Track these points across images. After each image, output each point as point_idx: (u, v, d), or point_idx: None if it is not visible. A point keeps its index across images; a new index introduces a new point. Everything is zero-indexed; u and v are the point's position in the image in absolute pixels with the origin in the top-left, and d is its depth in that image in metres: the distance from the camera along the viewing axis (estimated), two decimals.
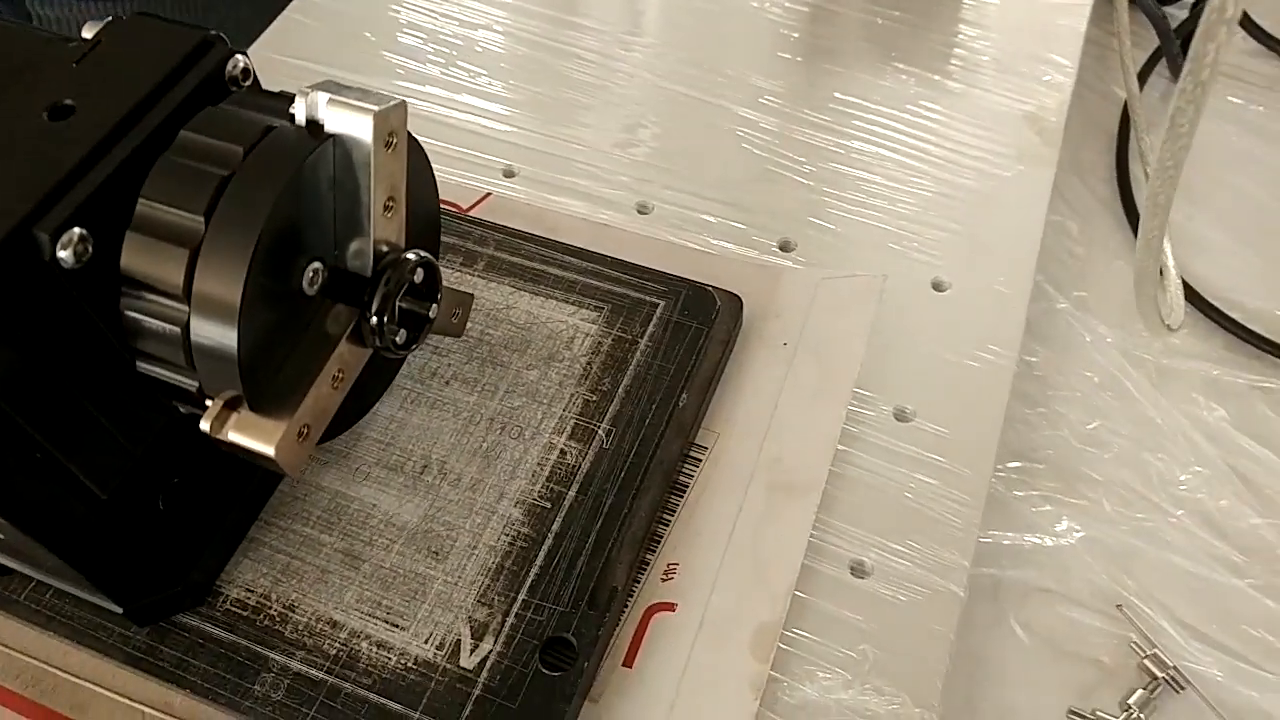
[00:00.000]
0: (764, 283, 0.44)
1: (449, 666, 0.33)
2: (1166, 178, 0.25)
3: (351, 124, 0.26)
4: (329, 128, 0.26)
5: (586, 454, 0.38)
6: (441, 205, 0.46)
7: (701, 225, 0.47)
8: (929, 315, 0.44)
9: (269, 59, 0.54)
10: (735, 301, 0.42)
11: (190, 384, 0.27)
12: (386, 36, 0.56)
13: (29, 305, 0.24)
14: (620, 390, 0.39)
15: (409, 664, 0.34)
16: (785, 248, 0.46)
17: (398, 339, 0.30)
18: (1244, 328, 0.46)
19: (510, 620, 0.34)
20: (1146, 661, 0.37)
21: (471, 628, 0.34)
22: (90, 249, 0.24)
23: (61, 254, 0.24)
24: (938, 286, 0.45)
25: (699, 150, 0.50)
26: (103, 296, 0.25)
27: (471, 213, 0.47)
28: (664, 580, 0.36)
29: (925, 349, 0.43)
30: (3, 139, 0.25)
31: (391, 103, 0.27)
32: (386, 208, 0.28)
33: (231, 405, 0.26)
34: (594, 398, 0.39)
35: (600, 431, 0.38)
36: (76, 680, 0.35)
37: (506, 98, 0.53)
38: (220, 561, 0.36)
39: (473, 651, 0.34)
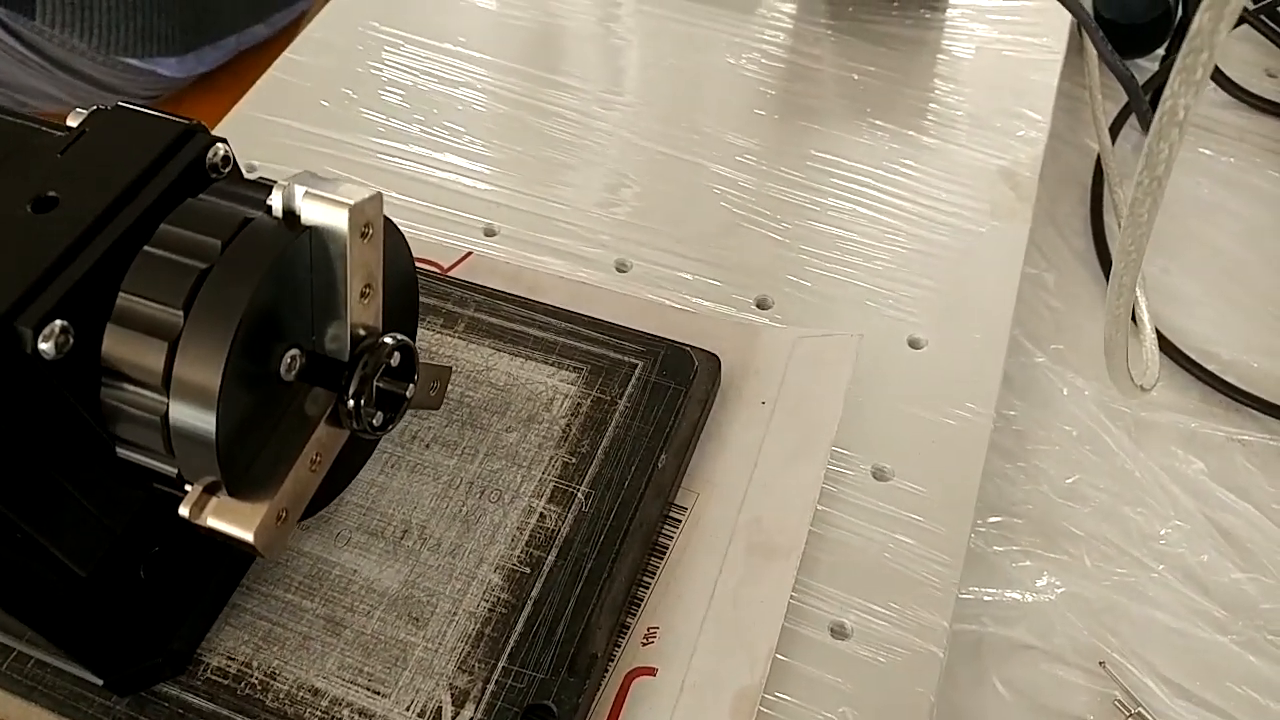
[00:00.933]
0: (741, 341, 0.44)
1: None
2: (1129, 261, 0.26)
3: (327, 216, 0.26)
4: (305, 219, 0.27)
5: (566, 517, 0.38)
6: (422, 265, 0.46)
7: (679, 283, 0.48)
8: (906, 373, 0.44)
9: (253, 118, 0.55)
10: (713, 361, 0.42)
11: (169, 470, 0.27)
12: (369, 94, 0.56)
13: (10, 394, 0.24)
14: (599, 452, 0.40)
15: None
16: (762, 305, 0.47)
17: (375, 421, 0.30)
18: (1221, 380, 0.46)
19: (491, 687, 0.34)
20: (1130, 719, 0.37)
21: (453, 695, 0.34)
22: (71, 340, 0.25)
23: (43, 346, 0.24)
24: (914, 344, 0.45)
25: (677, 208, 0.50)
26: (83, 384, 0.26)
27: (452, 272, 0.47)
28: (644, 644, 0.36)
29: (902, 407, 0.43)
30: None
31: (367, 194, 0.27)
32: (363, 294, 0.29)
33: (210, 490, 0.27)
34: (573, 460, 0.40)
35: (579, 494, 0.39)
36: None
37: (487, 156, 0.53)
38: (201, 629, 0.36)
39: (454, 718, 0.34)
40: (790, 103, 0.55)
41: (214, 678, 0.35)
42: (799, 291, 0.47)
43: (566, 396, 0.41)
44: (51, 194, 0.26)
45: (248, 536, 0.27)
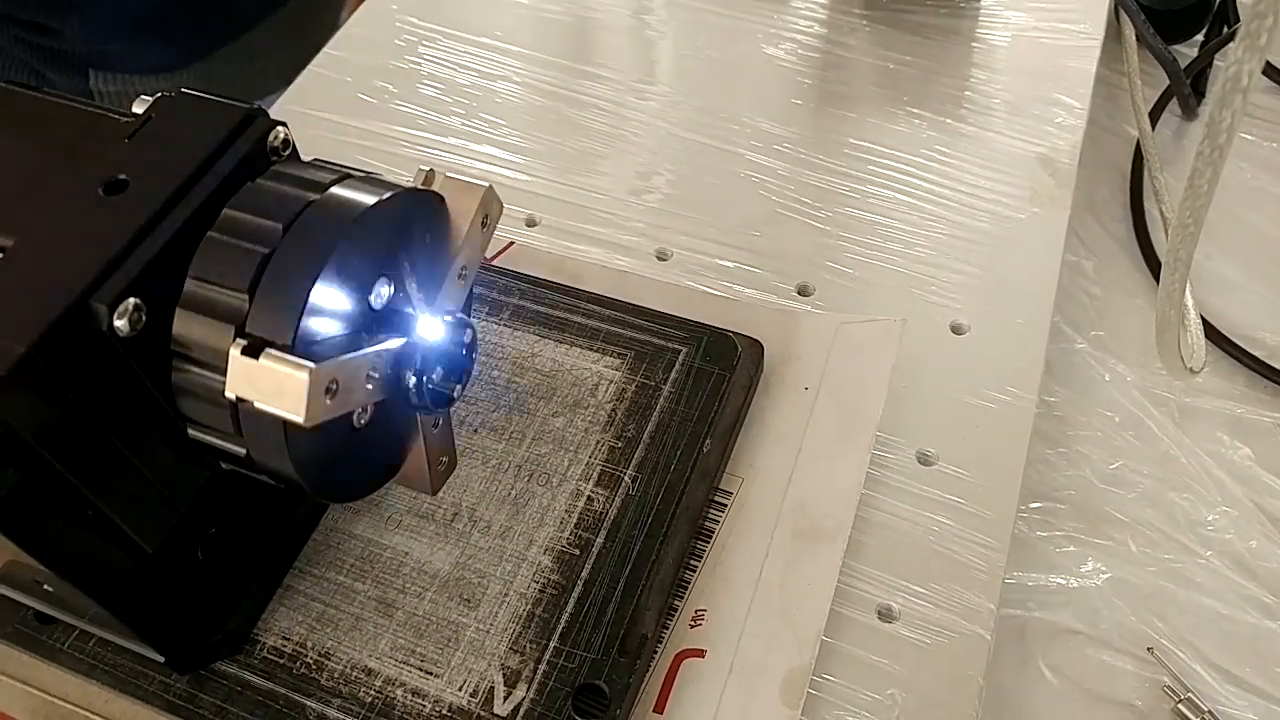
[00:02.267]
0: (784, 327, 0.44)
1: (483, 714, 0.34)
2: (1187, 235, 0.26)
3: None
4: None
5: (613, 500, 0.38)
6: None
7: (720, 271, 0.48)
8: (948, 358, 0.44)
9: (293, 113, 0.55)
10: (756, 347, 0.43)
11: (239, 450, 0.27)
12: (407, 88, 0.57)
13: (86, 371, 0.25)
14: (645, 436, 0.40)
15: (443, 711, 0.34)
16: (803, 292, 0.47)
17: (455, 393, 0.31)
18: (1266, 365, 0.46)
19: (542, 667, 0.35)
20: (1181, 706, 0.37)
21: (504, 675, 0.35)
22: (144, 318, 0.25)
23: (118, 323, 0.25)
24: (956, 329, 0.45)
25: (715, 197, 0.51)
26: (155, 363, 0.26)
27: (495, 261, 0.48)
28: (692, 626, 0.37)
29: (946, 392, 0.43)
30: (63, 213, 0.26)
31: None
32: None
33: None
34: (619, 444, 0.40)
35: (626, 478, 0.39)
36: None
37: (526, 148, 0.54)
38: (257, 610, 0.36)
39: (506, 699, 0.34)
40: (826, 92, 0.55)
41: (270, 657, 0.35)
42: (840, 278, 0.47)
43: (611, 382, 0.42)
44: (122, 177, 0.27)
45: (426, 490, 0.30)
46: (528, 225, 0.50)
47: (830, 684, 0.36)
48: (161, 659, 0.33)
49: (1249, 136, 0.56)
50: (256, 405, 0.25)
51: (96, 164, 0.27)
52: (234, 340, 0.25)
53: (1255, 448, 0.44)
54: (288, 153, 0.29)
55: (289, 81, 0.58)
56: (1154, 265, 0.51)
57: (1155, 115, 0.56)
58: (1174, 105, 0.57)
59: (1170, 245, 0.27)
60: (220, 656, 0.35)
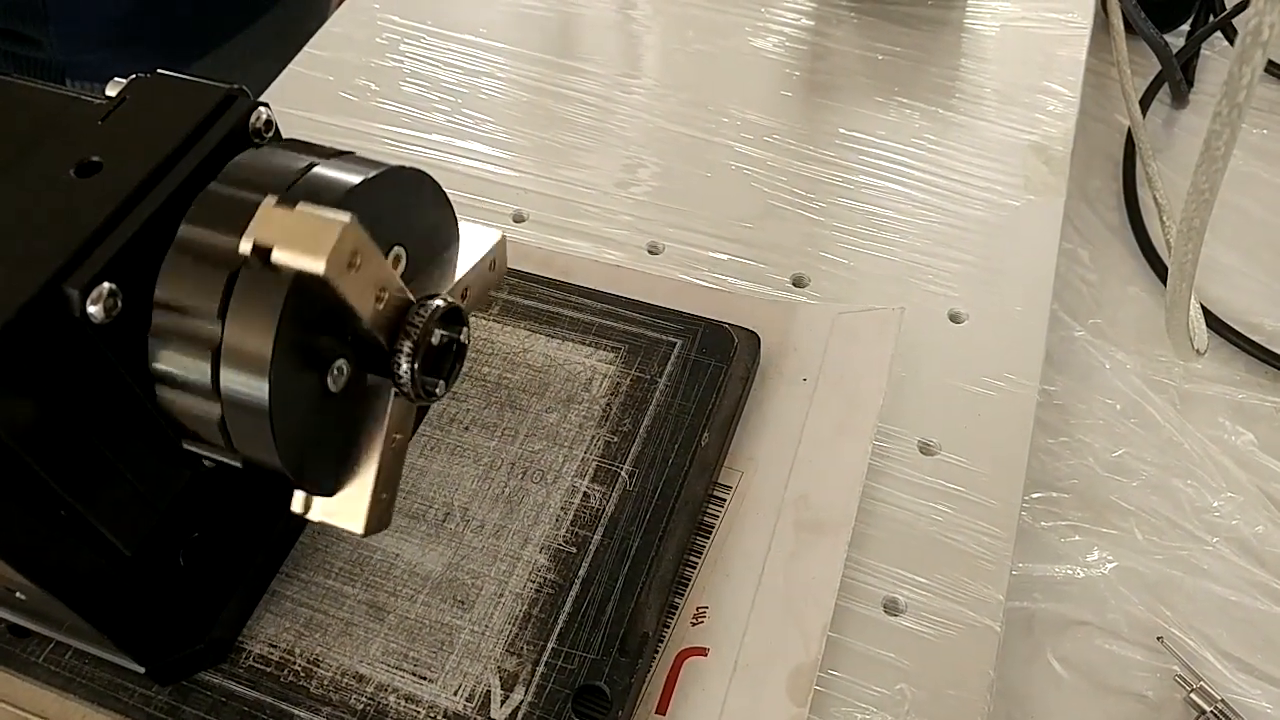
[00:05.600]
0: (779, 319, 0.43)
1: (479, 718, 0.33)
2: (1202, 201, 0.25)
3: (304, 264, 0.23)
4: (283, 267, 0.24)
5: (610, 496, 0.37)
6: None
7: (713, 264, 0.47)
8: (947, 347, 0.43)
9: (274, 113, 0.54)
10: (752, 338, 0.42)
11: (219, 441, 0.26)
12: (390, 86, 0.56)
13: (58, 361, 0.24)
14: (641, 431, 0.39)
15: (438, 717, 0.33)
16: (799, 283, 0.46)
17: (437, 389, 0.29)
18: (1266, 350, 0.45)
19: (540, 669, 0.33)
20: (1193, 695, 0.37)
21: (501, 678, 0.33)
22: (119, 304, 0.24)
23: (91, 309, 0.23)
24: (955, 318, 0.44)
25: (706, 190, 0.50)
26: (131, 352, 0.25)
27: None
28: (694, 624, 0.36)
29: (946, 381, 0.42)
30: (32, 196, 0.25)
31: (335, 231, 0.23)
32: (378, 299, 0.26)
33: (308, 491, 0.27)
34: (615, 439, 0.39)
35: (623, 473, 0.38)
36: None
37: (512, 143, 0.53)
38: (242, 617, 0.35)
39: (503, 702, 0.33)
40: (815, 83, 0.55)
41: (256, 665, 0.34)
42: (835, 269, 0.46)
43: (605, 376, 0.41)
44: (95, 159, 0.25)
45: (358, 527, 0.27)
46: (515, 221, 0.49)
47: (837, 679, 0.35)
48: (142, 670, 0.32)
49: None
50: (275, 256, 0.22)
51: (68, 146, 0.26)
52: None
53: (1258, 433, 0.44)
54: (271, 134, 0.28)
55: None
56: (1149, 252, 0.50)
57: (1145, 104, 0.56)
58: (1163, 94, 0.57)
59: (1184, 214, 0.26)
60: (204, 666, 0.34)
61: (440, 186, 0.31)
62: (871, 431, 0.39)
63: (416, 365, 0.28)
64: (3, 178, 0.26)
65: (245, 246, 0.23)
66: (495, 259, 0.29)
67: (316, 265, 0.22)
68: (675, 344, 0.41)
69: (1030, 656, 0.38)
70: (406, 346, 0.27)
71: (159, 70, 0.28)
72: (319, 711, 0.33)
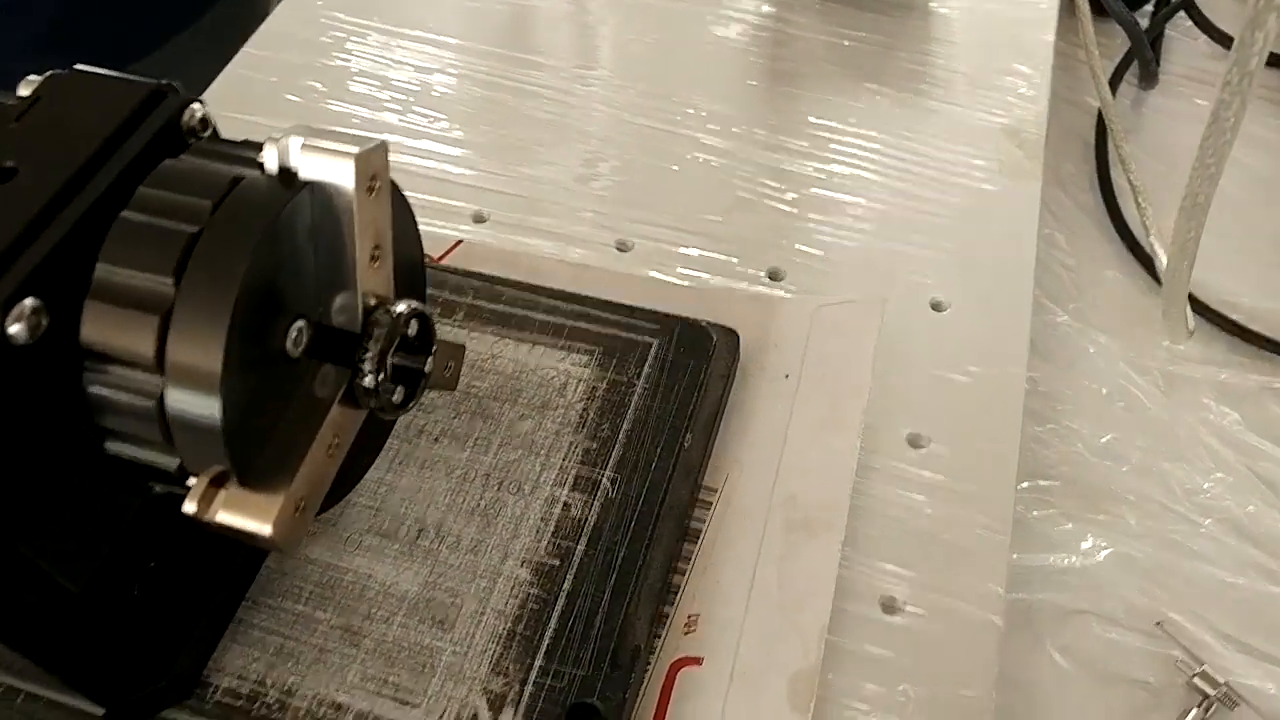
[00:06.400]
0: (758, 314, 0.42)
1: None
2: (1207, 175, 0.24)
3: (330, 170, 0.24)
4: (304, 175, 0.24)
5: (592, 505, 0.36)
6: None
7: (684, 260, 0.46)
8: (930, 336, 0.42)
9: (215, 116, 0.52)
10: (731, 336, 0.40)
11: (168, 462, 0.24)
12: (337, 86, 0.54)
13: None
14: (621, 435, 0.37)
15: None
16: (775, 277, 0.45)
17: (395, 398, 0.27)
18: (1247, 329, 0.45)
19: (529, 689, 0.32)
20: (1196, 680, 0.36)
21: (488, 700, 0.32)
22: (44, 322, 0.22)
23: (13, 329, 0.21)
24: (936, 307, 0.43)
25: (674, 183, 0.48)
26: (63, 373, 0.23)
27: (443, 261, 0.45)
28: (686, 633, 0.34)
29: (931, 371, 0.41)
30: None
31: (371, 143, 0.25)
32: (373, 258, 0.26)
33: (218, 482, 0.24)
34: (594, 445, 0.37)
35: (604, 480, 0.36)
36: None
37: (469, 141, 0.51)
38: (207, 649, 0.33)
39: None
40: (781, 71, 0.53)
41: (225, 700, 0.32)
42: (811, 261, 0.45)
43: (580, 380, 0.39)
44: (9, 164, 0.23)
45: (265, 530, 0.24)
46: (475, 221, 0.48)
47: (837, 683, 0.33)
48: (101, 712, 0.30)
49: (1203, 103, 0.55)
50: (300, 154, 0.23)
51: None
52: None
53: (1243, 412, 0.43)
54: (207, 133, 0.26)
55: None
56: (1125, 235, 0.49)
57: (1113, 85, 0.55)
58: (1132, 75, 0.56)
59: (1189, 189, 0.25)
60: (168, 704, 0.32)
61: (404, 197, 0.29)
62: (859, 426, 0.38)
63: (387, 361, 0.26)
64: None
65: (270, 162, 0.23)
66: (374, 178, 0.25)
67: (344, 164, 0.22)
68: (651, 344, 0.40)
69: (1030, 648, 0.37)
70: (379, 333, 0.26)
71: (77, 66, 0.26)
72: None
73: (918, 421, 0.40)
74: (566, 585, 0.34)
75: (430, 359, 0.29)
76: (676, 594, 0.35)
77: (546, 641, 0.33)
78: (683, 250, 0.46)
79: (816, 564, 0.35)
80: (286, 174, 0.24)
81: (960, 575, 0.35)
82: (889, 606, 0.35)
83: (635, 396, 0.38)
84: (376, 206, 0.25)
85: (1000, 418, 0.40)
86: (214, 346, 0.22)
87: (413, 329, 0.28)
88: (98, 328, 0.23)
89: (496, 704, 0.31)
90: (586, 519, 0.35)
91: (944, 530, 0.37)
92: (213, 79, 0.54)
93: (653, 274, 0.45)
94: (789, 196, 0.48)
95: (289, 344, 0.25)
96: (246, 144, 0.26)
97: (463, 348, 0.32)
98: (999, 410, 0.40)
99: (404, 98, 0.53)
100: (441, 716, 0.31)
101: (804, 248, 0.45)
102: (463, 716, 0.31)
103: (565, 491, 0.36)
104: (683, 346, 0.39)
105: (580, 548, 0.35)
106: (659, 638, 0.34)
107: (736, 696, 0.32)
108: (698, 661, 0.33)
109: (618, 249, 0.46)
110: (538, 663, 0.32)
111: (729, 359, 0.40)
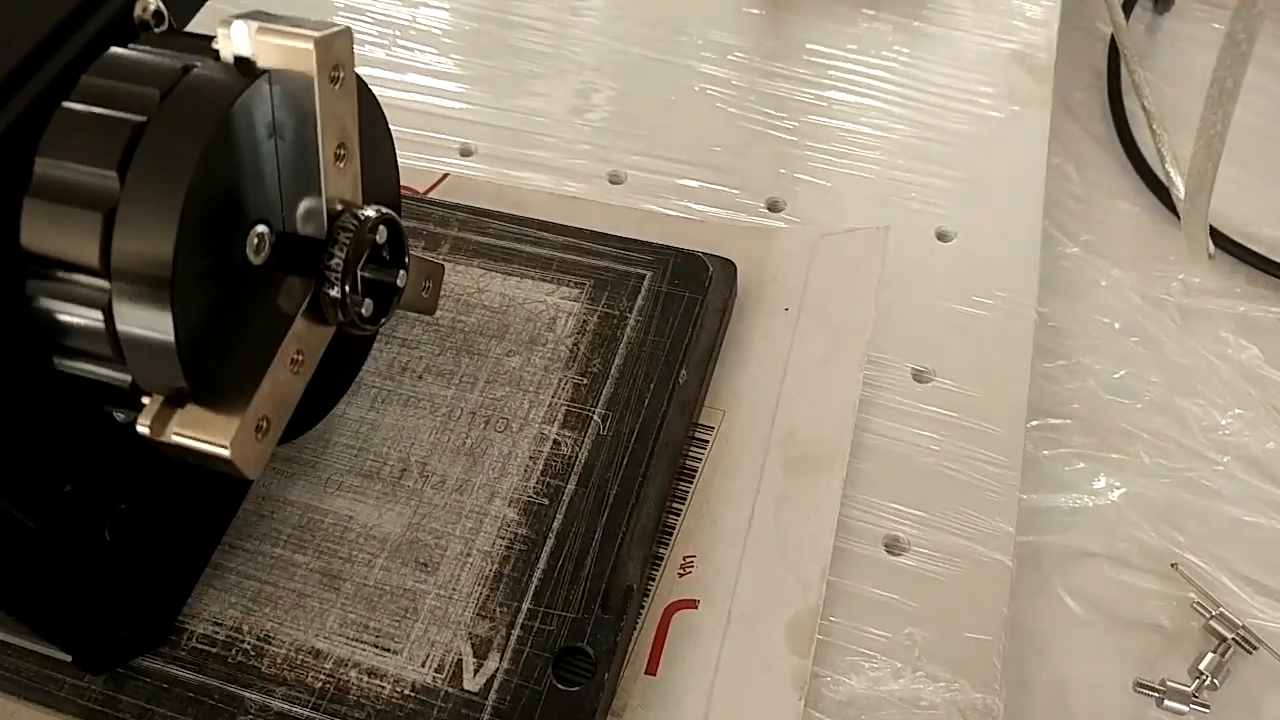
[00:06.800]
0: (756, 245, 0.40)
1: (451, 690, 0.29)
2: (1226, 93, 0.22)
3: (289, 57, 0.22)
4: (262, 63, 0.22)
5: (583, 443, 0.34)
6: None
7: (680, 191, 0.44)
8: (936, 267, 0.40)
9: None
10: (728, 267, 0.39)
11: (121, 379, 0.23)
12: (319, 19, 0.51)
13: None
14: (613, 371, 0.36)
15: (405, 691, 0.30)
16: (774, 208, 0.43)
17: (363, 310, 0.26)
18: (1267, 260, 0.43)
19: (516, 633, 0.30)
20: (1212, 623, 0.34)
21: (473, 645, 0.30)
22: None
23: None
24: (942, 236, 0.41)
25: (669, 114, 0.46)
26: (5, 282, 0.21)
27: (431, 195, 0.43)
28: (681, 575, 0.33)
29: (936, 303, 0.39)
30: None
31: (333, 29, 0.23)
32: (337, 156, 0.24)
33: (174, 401, 0.22)
34: (585, 381, 0.36)
35: (595, 417, 0.35)
36: None
37: (457, 74, 0.49)
38: (181, 594, 0.31)
39: (477, 671, 0.30)
40: None
41: (200, 646, 0.31)
42: (811, 190, 0.43)
43: (570, 315, 0.37)
44: None
45: (223, 450, 0.22)
46: (463, 155, 0.46)
47: (839, 627, 0.32)
48: (69, 659, 0.29)
49: (1220, 27, 0.53)
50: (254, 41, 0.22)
51: None
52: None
53: (1263, 346, 0.41)
54: (161, 27, 0.24)
55: None
56: (1139, 164, 0.47)
57: (1126, 9, 0.53)
58: (1143, 1, 0.54)
59: (1205, 113, 0.24)
60: (141, 651, 0.30)
61: (374, 96, 0.27)
62: (861, 360, 0.36)
63: (354, 271, 0.24)
64: None
65: (224, 50, 0.22)
66: (337, 66, 0.23)
67: (304, 48, 0.21)
68: (645, 276, 0.38)
69: (1040, 591, 0.36)
70: (346, 239, 0.24)
71: None
72: (273, 693, 0.30)
73: (923, 355, 0.38)
74: (556, 525, 0.32)
75: (403, 272, 0.27)
76: (672, 535, 0.33)
77: (535, 583, 0.31)
78: (678, 181, 0.44)
79: (817, 503, 0.33)
80: (243, 62, 0.22)
81: (968, 514, 0.34)
82: (893, 547, 0.34)
83: (628, 330, 0.37)
84: (341, 99, 0.24)
85: (1009, 352, 0.38)
86: (163, 247, 0.20)
87: (381, 235, 0.26)
88: (38, 228, 0.21)
89: (482, 649, 0.30)
90: (577, 457, 0.34)
91: (950, 468, 0.35)
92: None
93: (647, 206, 0.43)
94: (788, 125, 0.45)
95: (249, 251, 0.23)
96: (201, 36, 0.24)
97: (441, 268, 0.30)
98: (1008, 344, 0.38)
99: (390, 32, 0.51)
100: (424, 663, 0.30)
101: (804, 177, 0.43)
102: (447, 662, 0.30)
103: (555, 429, 0.34)
104: (677, 279, 0.38)
105: (570, 487, 0.33)
106: (653, 580, 0.33)
107: (734, 640, 0.31)
108: (693, 604, 0.32)
109: (610, 181, 0.44)
110: (525, 605, 0.31)
111: (726, 291, 0.38)
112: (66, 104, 0.21)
